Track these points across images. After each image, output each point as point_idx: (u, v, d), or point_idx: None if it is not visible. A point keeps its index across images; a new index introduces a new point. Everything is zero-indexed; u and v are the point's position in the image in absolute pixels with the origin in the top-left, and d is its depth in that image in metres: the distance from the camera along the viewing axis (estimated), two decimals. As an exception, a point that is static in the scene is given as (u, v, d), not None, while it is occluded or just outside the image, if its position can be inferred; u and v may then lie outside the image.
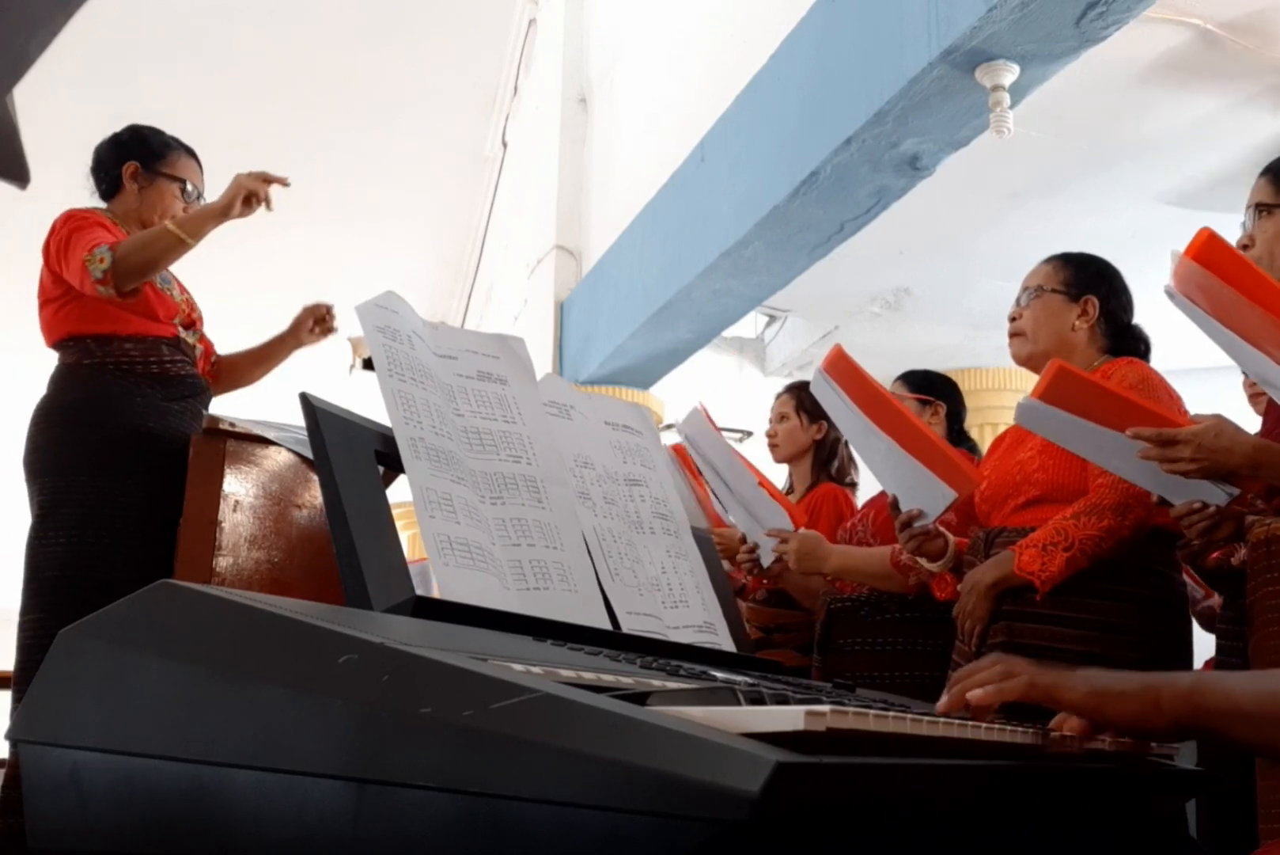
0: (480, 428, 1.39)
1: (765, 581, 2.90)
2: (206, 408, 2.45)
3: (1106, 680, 0.82)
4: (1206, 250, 1.62)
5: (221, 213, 2.30)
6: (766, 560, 2.62)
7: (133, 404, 2.29)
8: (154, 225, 2.46)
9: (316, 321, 2.62)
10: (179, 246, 2.28)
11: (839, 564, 2.46)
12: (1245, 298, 1.58)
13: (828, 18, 3.85)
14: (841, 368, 2.12)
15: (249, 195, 2.31)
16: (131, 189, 2.47)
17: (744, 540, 2.68)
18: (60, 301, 2.35)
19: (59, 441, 2.26)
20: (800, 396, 3.07)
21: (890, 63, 3.35)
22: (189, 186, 2.51)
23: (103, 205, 2.50)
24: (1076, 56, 3.15)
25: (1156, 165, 4.66)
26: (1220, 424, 1.66)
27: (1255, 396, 2.60)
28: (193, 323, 2.48)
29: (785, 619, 2.88)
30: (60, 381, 2.34)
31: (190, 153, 2.55)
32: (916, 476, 2.04)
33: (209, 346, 2.57)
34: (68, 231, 2.32)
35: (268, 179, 2.34)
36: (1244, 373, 2.58)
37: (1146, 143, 4.52)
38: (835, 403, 2.14)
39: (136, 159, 2.47)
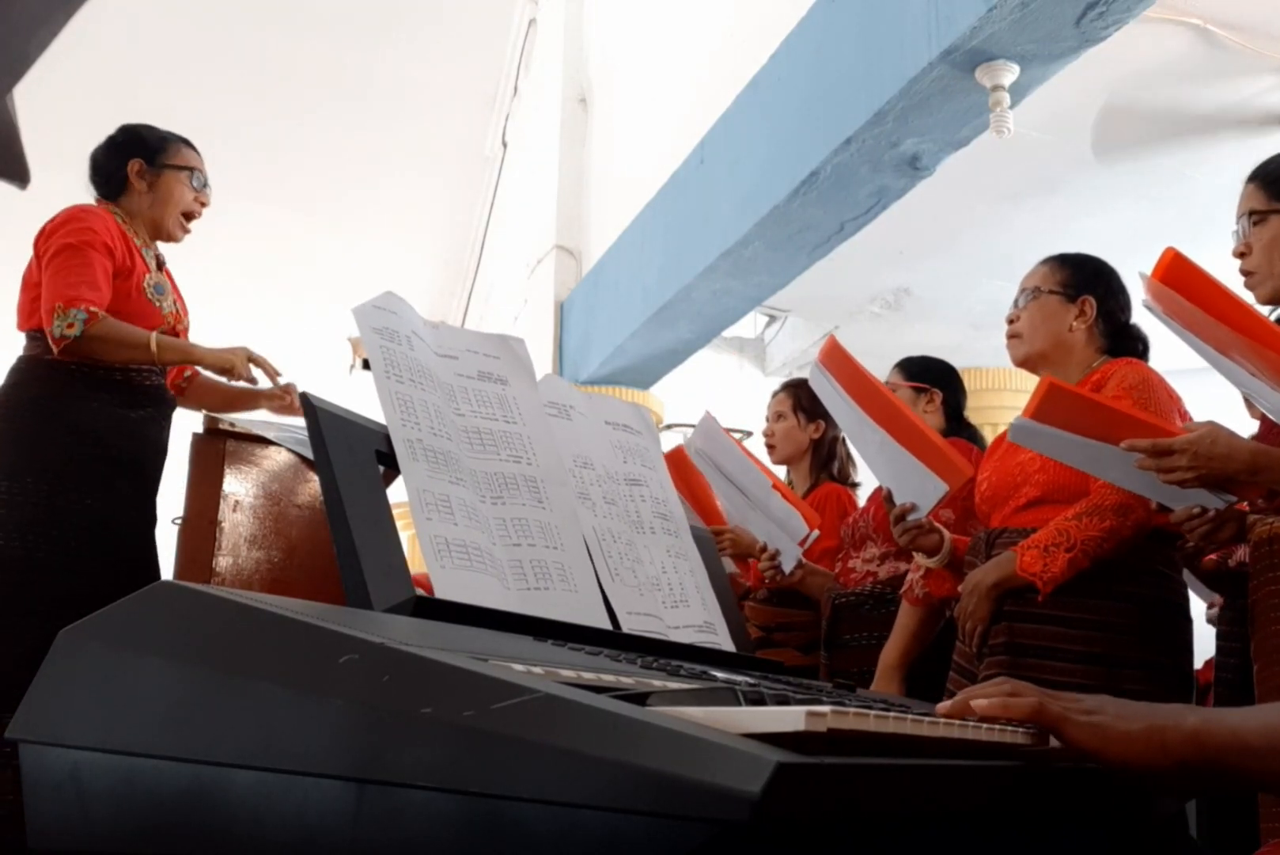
0: (480, 428, 1.39)
1: (775, 583, 2.90)
2: (169, 419, 2.42)
3: (1111, 720, 0.81)
4: (1172, 271, 1.63)
5: (201, 361, 2.29)
6: (788, 566, 2.61)
7: (87, 407, 2.26)
8: (164, 221, 2.46)
9: (276, 398, 2.53)
10: (144, 359, 2.25)
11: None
12: (1212, 318, 1.59)
13: (828, 18, 3.85)
14: (836, 359, 2.11)
15: (236, 371, 2.29)
16: (140, 187, 2.45)
17: (764, 548, 2.66)
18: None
19: (10, 440, 2.22)
20: (797, 395, 3.06)
21: (890, 63, 3.35)
22: (196, 174, 2.49)
23: (110, 203, 2.46)
24: (1076, 56, 3.15)
25: (1156, 165, 4.66)
26: (1215, 431, 1.64)
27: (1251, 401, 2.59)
28: (176, 335, 2.44)
29: (786, 618, 2.87)
30: (18, 374, 2.29)
31: (188, 143, 2.54)
32: (909, 469, 2.04)
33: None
34: (64, 244, 2.26)
35: (263, 366, 2.32)
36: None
37: (1146, 143, 4.52)
38: (831, 395, 2.14)
39: (139, 156, 2.45)
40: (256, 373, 2.34)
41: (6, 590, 2.14)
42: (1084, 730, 0.80)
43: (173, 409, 2.45)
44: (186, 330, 2.50)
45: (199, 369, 2.52)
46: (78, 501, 2.20)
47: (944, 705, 0.84)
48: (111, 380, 2.29)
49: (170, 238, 2.51)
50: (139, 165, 2.45)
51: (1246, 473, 1.62)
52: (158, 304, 2.40)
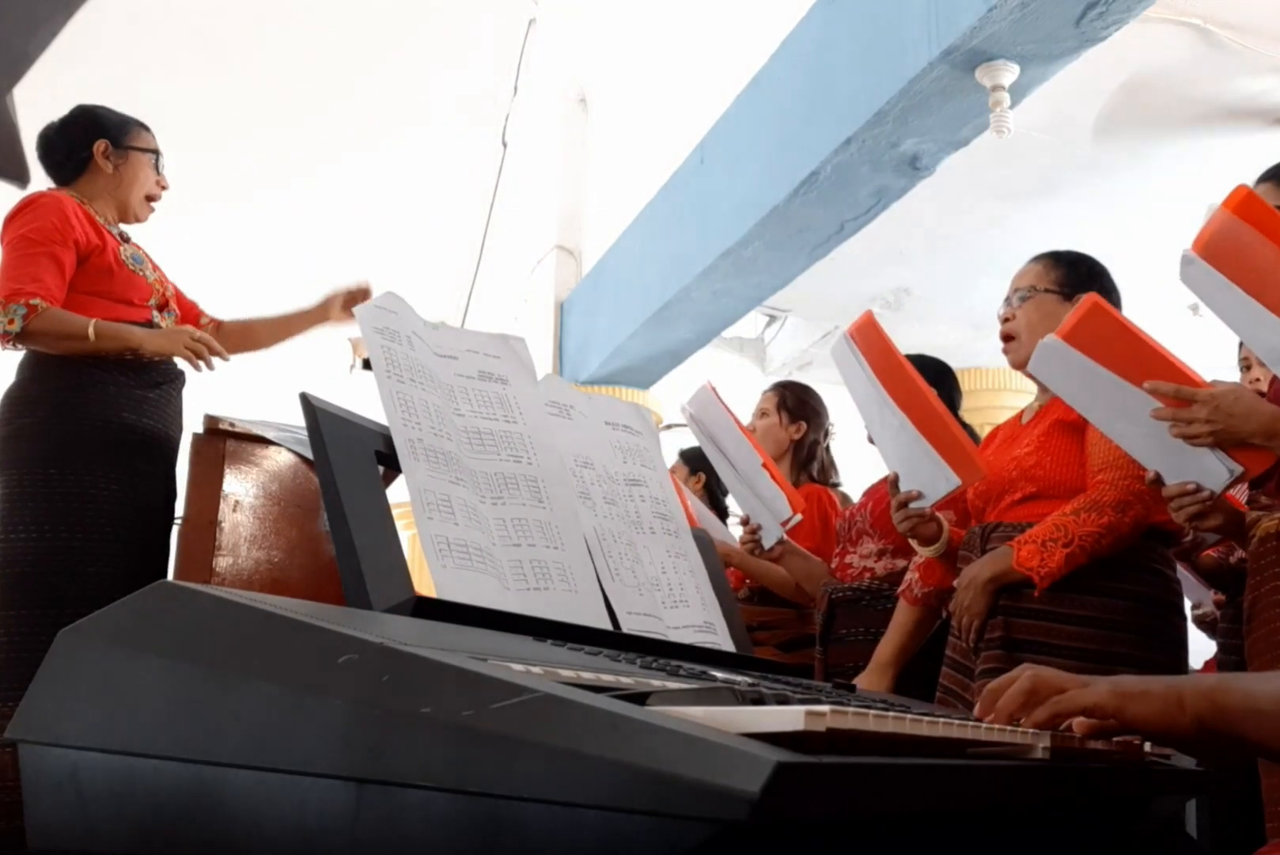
0: (481, 428, 1.39)
1: (751, 578, 2.91)
2: (180, 394, 2.42)
3: (1131, 682, 0.83)
4: (1246, 205, 1.58)
5: (140, 348, 2.26)
6: (769, 542, 2.62)
7: (105, 393, 2.25)
8: (129, 203, 2.45)
9: (349, 302, 2.58)
10: (82, 347, 2.23)
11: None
12: None
13: (828, 18, 3.85)
14: (868, 334, 2.09)
15: (181, 355, 2.30)
16: (105, 167, 2.42)
17: (746, 521, 2.67)
18: None
19: (29, 432, 2.21)
20: (784, 395, 3.08)
21: (890, 63, 3.36)
22: (160, 157, 2.48)
23: (66, 187, 2.44)
24: (1076, 56, 3.16)
25: (1156, 165, 4.67)
26: (1240, 389, 1.64)
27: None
28: (166, 302, 2.44)
29: (768, 616, 2.88)
30: (29, 369, 2.28)
31: (144, 125, 2.52)
32: (923, 458, 2.02)
33: (193, 313, 2.56)
34: (15, 237, 2.25)
35: (209, 348, 2.30)
36: (1241, 370, 2.58)
37: (1146, 143, 4.52)
38: (853, 369, 2.11)
39: (104, 137, 2.42)
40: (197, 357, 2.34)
41: (30, 579, 2.14)
42: (1101, 695, 0.81)
43: (183, 384, 2.43)
44: (174, 298, 2.50)
45: (221, 319, 2.57)
46: (105, 488, 2.20)
47: (980, 712, 0.85)
48: (123, 361, 2.28)
49: (136, 219, 2.49)
50: (105, 146, 2.42)
51: (1262, 436, 1.61)
52: (141, 273, 2.39)
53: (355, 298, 2.59)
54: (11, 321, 2.16)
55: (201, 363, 2.30)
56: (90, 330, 2.21)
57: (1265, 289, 1.58)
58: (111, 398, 2.25)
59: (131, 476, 2.23)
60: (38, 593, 2.13)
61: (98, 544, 2.17)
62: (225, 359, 2.36)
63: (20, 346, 2.24)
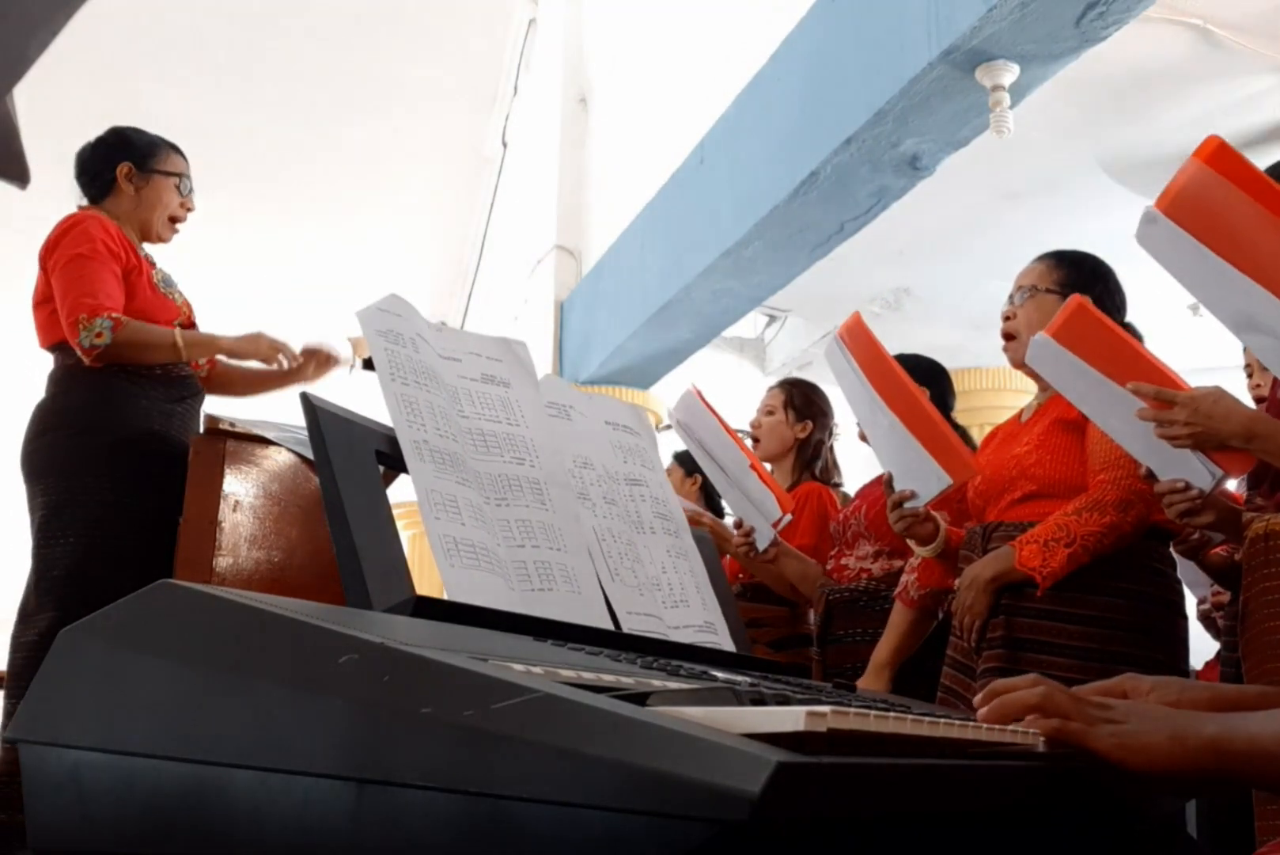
0: (484, 430, 1.39)
1: (746, 573, 2.91)
2: (200, 408, 2.46)
3: (1134, 731, 0.82)
4: (1220, 155, 1.50)
5: (228, 354, 2.40)
6: (763, 543, 2.62)
7: (139, 406, 2.30)
8: (152, 223, 2.49)
9: (319, 365, 2.61)
10: (171, 357, 2.33)
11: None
12: (1264, 207, 1.46)
13: (828, 18, 3.85)
14: (857, 335, 2.10)
15: (261, 357, 2.41)
16: (128, 190, 2.48)
17: (739, 525, 2.68)
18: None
19: (66, 443, 2.26)
20: (791, 392, 3.06)
21: (890, 63, 3.36)
22: (184, 181, 2.53)
23: (97, 206, 2.49)
24: (1076, 56, 3.16)
25: (1156, 165, 4.66)
26: (1219, 392, 1.64)
27: (1259, 400, 2.58)
28: (192, 325, 2.49)
29: (760, 614, 2.88)
30: (63, 383, 2.34)
31: (176, 148, 2.56)
32: (915, 457, 2.03)
33: None
34: (73, 255, 2.30)
35: (282, 351, 2.42)
36: (1247, 372, 2.57)
37: (1146, 143, 4.52)
38: (845, 371, 2.12)
39: (128, 160, 2.48)
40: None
41: (69, 582, 2.17)
42: (1105, 743, 0.81)
43: (203, 398, 2.50)
44: (196, 322, 2.54)
45: (217, 358, 2.58)
46: (138, 496, 2.23)
47: (983, 713, 0.84)
48: (153, 376, 2.34)
49: (159, 239, 2.54)
50: (128, 169, 2.47)
51: (1241, 438, 1.62)
52: (170, 295, 2.45)
53: (326, 360, 2.60)
54: (100, 335, 2.22)
55: (283, 361, 2.41)
56: (178, 340, 2.30)
57: (1237, 247, 1.51)
58: (145, 411, 2.31)
59: (160, 486, 2.26)
60: (77, 596, 2.16)
61: (135, 552, 2.20)
62: (297, 361, 2.45)
63: (104, 361, 2.28)
